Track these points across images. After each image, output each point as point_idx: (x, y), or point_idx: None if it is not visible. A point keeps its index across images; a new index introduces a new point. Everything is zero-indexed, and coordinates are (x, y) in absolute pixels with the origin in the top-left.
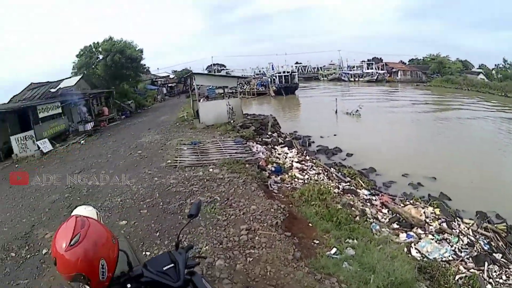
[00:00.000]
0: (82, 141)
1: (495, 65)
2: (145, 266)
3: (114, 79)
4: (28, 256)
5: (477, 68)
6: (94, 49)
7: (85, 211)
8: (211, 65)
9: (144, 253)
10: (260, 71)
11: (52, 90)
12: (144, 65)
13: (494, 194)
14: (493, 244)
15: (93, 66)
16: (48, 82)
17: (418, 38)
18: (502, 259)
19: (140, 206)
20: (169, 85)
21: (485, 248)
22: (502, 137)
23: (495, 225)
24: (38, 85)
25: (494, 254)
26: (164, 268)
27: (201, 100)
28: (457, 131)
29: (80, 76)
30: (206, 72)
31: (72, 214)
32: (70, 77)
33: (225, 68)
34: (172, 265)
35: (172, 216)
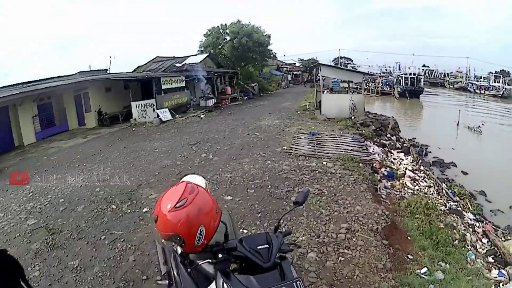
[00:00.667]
0: (202, 116)
1: None
2: (241, 241)
3: (239, 60)
4: (128, 211)
5: None
6: (221, 30)
7: (195, 179)
8: (337, 57)
9: (241, 230)
10: (386, 70)
11: (178, 64)
12: (271, 50)
13: None
14: None
15: (220, 47)
16: (174, 57)
17: None
18: None
19: (248, 185)
20: (295, 72)
21: None
22: None
23: None
24: (163, 59)
25: None
26: (258, 247)
27: (324, 92)
28: None
29: (206, 55)
30: (332, 64)
31: (182, 180)
32: (196, 55)
33: (351, 63)
34: (267, 246)
35: (277, 201)
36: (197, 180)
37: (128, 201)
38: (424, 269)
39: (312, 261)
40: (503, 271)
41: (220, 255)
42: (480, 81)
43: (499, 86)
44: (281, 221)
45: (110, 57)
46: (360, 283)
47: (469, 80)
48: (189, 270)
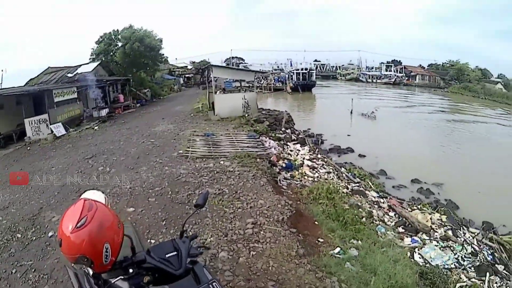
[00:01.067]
0: (96, 127)
1: None
2: (148, 252)
3: (131, 67)
4: (34, 238)
5: (496, 78)
6: (113, 37)
7: (93, 195)
8: (229, 58)
9: (149, 240)
10: (278, 67)
11: (69, 75)
12: (163, 54)
13: (502, 205)
14: (496, 255)
15: (112, 53)
16: (66, 67)
17: (439, 44)
18: (504, 271)
19: (148, 194)
20: (187, 75)
21: (488, 258)
22: None
23: (501, 237)
24: (55, 70)
25: (496, 265)
26: (167, 255)
27: (217, 92)
28: (471, 140)
29: (98, 63)
30: (224, 64)
31: (81, 197)
32: (88, 63)
33: (243, 62)
34: (175, 253)
35: (179, 206)
36: (96, 195)
37: (32, 227)
38: (337, 249)
39: (224, 260)
40: (416, 238)
41: (131, 270)
42: (372, 71)
43: (391, 74)
44: (186, 225)
45: (1, 70)
46: (277, 273)
47: (361, 71)
48: None
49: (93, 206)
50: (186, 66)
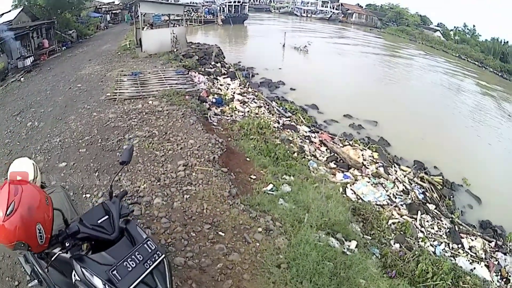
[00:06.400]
0: (22, 79)
1: (455, 27)
2: (81, 221)
3: (56, 8)
4: None
5: (436, 26)
6: None
7: (21, 165)
8: None
9: (84, 195)
10: None
11: None
12: None
13: (433, 146)
14: (427, 195)
15: None
16: None
17: None
18: (435, 211)
19: (79, 145)
20: (114, 12)
21: (420, 197)
22: (450, 93)
23: (432, 177)
24: None
25: (427, 204)
26: (99, 221)
27: (144, 28)
28: (404, 79)
29: (20, 9)
30: None
31: (9, 170)
32: (9, 11)
33: None
34: (107, 217)
35: (110, 154)
36: (24, 165)
37: None
38: (270, 186)
39: (160, 207)
40: (348, 174)
41: (67, 244)
42: (308, 5)
43: (327, 10)
44: (116, 179)
45: None
46: (212, 215)
47: (295, 5)
48: (48, 265)
49: (18, 190)
50: (113, 2)
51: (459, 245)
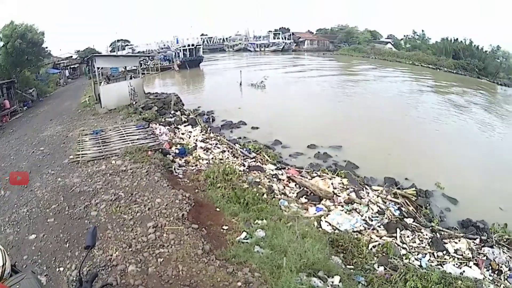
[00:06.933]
0: None
1: (404, 35)
2: None
3: (15, 67)
4: None
5: (386, 38)
6: None
7: None
8: (114, 41)
9: (57, 269)
10: (164, 45)
11: None
12: (46, 48)
13: (401, 158)
14: (403, 210)
15: None
16: None
17: (328, 8)
18: (414, 224)
19: (46, 214)
20: (72, 66)
21: (396, 214)
22: (404, 101)
23: (404, 190)
24: None
25: (405, 219)
26: None
27: (102, 83)
28: (361, 97)
29: None
30: (110, 49)
31: None
32: None
33: (129, 44)
34: None
35: (79, 222)
36: None
37: None
38: (243, 234)
39: (135, 274)
40: (320, 206)
41: None
42: (260, 40)
43: (279, 42)
44: (82, 268)
45: None
46: (188, 276)
47: (248, 41)
48: None
49: None
50: (71, 56)
51: (444, 252)
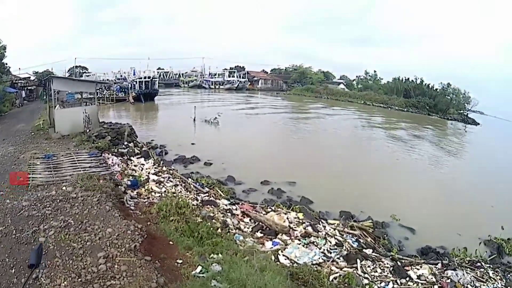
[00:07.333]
0: None
1: (357, 76)
2: None
3: None
4: None
5: (339, 79)
6: None
7: None
8: (73, 67)
9: None
10: (121, 76)
11: None
12: (6, 64)
13: (355, 193)
14: (361, 241)
15: None
16: None
17: (284, 50)
18: (373, 254)
19: None
20: (29, 88)
21: (354, 245)
22: (355, 137)
23: (361, 223)
24: None
25: (364, 250)
26: None
27: (57, 107)
28: (312, 135)
29: None
30: (67, 74)
31: None
32: None
33: (87, 72)
34: None
35: (26, 247)
36: None
37: None
38: (199, 268)
39: None
40: (276, 240)
41: None
42: (215, 77)
43: (234, 80)
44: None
45: None
46: None
47: (204, 78)
48: None
49: None
50: (29, 77)
51: (407, 278)
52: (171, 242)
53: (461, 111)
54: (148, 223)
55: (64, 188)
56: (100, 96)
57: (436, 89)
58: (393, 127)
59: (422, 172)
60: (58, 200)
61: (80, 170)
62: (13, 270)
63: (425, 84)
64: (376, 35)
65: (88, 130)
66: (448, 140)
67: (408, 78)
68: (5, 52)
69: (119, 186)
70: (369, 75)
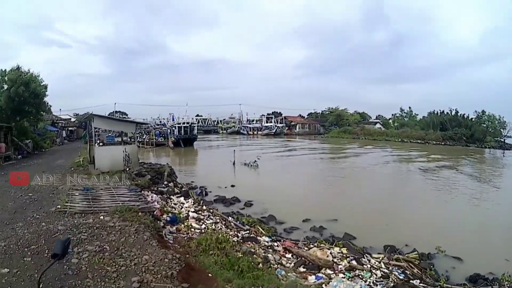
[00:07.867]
0: None
1: (392, 114)
2: None
3: (15, 114)
4: None
5: (375, 119)
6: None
7: None
8: (113, 112)
9: None
10: (160, 122)
11: None
12: (47, 103)
13: (398, 227)
14: (408, 273)
15: None
16: None
17: (319, 93)
18: (421, 284)
19: (24, 253)
20: (70, 128)
21: (401, 277)
22: (394, 173)
23: (406, 255)
24: None
25: (411, 281)
26: None
27: (97, 144)
28: (351, 173)
29: None
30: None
31: None
32: None
33: (126, 116)
34: None
35: (57, 266)
36: None
37: None
38: None
39: None
40: (320, 274)
41: None
42: (253, 123)
43: (271, 125)
44: (42, 278)
45: None
46: None
47: (242, 124)
48: None
49: None
50: (70, 119)
51: None
52: (210, 274)
53: (497, 138)
54: (187, 255)
55: (101, 217)
56: (140, 140)
57: (471, 119)
58: (430, 161)
59: (462, 205)
60: (94, 227)
61: (118, 203)
62: (41, 286)
63: (460, 114)
64: (406, 71)
65: (128, 168)
66: (487, 169)
67: (443, 111)
68: (46, 91)
69: (158, 221)
70: (405, 112)
